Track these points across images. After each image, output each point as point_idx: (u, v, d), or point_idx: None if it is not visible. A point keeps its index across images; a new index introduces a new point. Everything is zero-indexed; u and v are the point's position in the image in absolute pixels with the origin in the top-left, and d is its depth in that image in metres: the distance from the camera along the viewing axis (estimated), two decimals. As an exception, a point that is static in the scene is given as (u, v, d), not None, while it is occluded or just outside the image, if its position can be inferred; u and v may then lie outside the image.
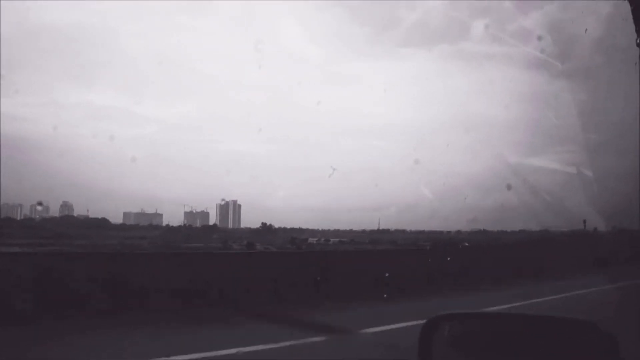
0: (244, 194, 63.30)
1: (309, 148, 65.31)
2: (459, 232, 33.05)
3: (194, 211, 40.96)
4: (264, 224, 40.18)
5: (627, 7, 2.21)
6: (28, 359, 6.30)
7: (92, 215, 36.93)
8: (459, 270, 13.48)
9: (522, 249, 20.66)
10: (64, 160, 53.02)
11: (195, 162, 69.38)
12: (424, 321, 1.98)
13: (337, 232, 38.14)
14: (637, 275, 13.51)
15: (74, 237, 29.30)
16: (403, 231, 38.72)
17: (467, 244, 22.31)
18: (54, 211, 36.90)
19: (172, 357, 6.08)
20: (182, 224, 40.00)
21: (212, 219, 41.79)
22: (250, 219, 61.54)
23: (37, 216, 36.61)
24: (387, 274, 11.53)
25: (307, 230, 39.05)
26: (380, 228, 39.66)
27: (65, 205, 38.14)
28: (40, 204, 37.45)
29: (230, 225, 43.38)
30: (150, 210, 40.82)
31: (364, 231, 39.74)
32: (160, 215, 40.07)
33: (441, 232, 33.86)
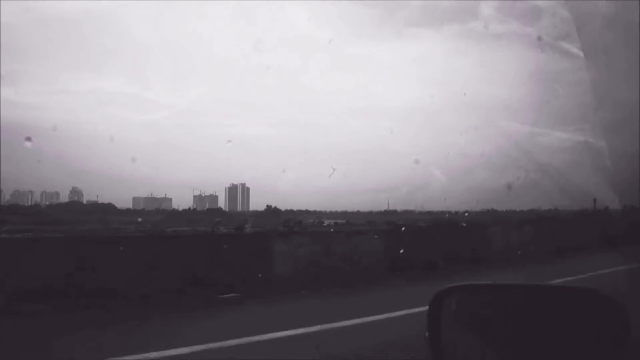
0: (254, 178, 62.07)
1: (318, 129, 63.50)
2: (466, 212, 31.45)
3: (203, 195, 39.90)
4: (268, 207, 39.17)
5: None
6: None
7: (101, 201, 36.21)
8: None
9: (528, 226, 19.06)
10: (74, 147, 52.68)
11: (205, 146, 68.57)
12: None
13: (344, 214, 37.17)
14: None
15: (66, 223, 28.61)
16: (412, 212, 37.77)
17: (464, 224, 20.63)
18: (64, 197, 36.31)
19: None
20: (190, 208, 39.00)
21: (222, 203, 40.70)
22: (259, 202, 60.59)
23: (46, 202, 36.08)
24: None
25: (314, 212, 38.25)
26: (390, 209, 38.44)
27: (75, 192, 37.56)
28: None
29: (239, 209, 42.28)
30: (159, 194, 39.90)
31: (370, 212, 38.69)
32: (170, 200, 39.16)
33: (450, 213, 32.55)
